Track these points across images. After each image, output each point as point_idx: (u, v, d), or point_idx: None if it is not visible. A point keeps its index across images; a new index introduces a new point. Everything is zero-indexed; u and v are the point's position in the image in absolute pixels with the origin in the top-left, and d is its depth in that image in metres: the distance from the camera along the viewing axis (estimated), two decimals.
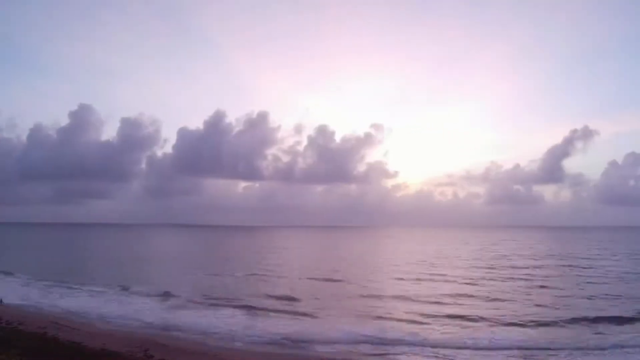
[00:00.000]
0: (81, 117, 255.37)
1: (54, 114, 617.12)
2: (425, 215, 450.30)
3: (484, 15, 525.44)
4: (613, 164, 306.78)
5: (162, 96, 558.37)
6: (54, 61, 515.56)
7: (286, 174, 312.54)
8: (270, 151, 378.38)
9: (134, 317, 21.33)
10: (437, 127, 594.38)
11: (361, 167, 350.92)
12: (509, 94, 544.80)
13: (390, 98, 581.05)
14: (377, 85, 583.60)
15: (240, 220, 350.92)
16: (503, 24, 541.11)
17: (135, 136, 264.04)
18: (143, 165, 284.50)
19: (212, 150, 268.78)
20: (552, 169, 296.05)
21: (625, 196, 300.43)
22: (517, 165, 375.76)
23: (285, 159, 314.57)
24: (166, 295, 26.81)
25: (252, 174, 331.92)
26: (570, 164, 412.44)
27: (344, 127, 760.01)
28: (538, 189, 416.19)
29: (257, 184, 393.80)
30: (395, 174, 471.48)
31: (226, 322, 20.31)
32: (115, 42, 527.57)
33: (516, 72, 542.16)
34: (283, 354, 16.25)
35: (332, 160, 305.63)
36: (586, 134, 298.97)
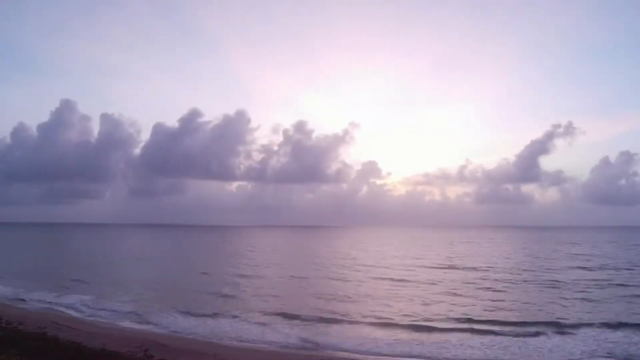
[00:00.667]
0: (63, 114, 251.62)
1: (39, 113, 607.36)
2: (409, 215, 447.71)
3: (481, 17, 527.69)
4: (605, 162, 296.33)
5: (158, 95, 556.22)
6: (42, 58, 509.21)
7: (270, 174, 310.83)
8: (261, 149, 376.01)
9: None
10: (426, 127, 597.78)
11: (338, 166, 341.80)
12: (503, 94, 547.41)
13: (390, 98, 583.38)
14: (374, 85, 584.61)
15: (221, 220, 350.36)
16: (499, 26, 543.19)
17: (117, 135, 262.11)
18: (122, 165, 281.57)
19: (186, 150, 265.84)
20: (530, 166, 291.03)
21: (617, 196, 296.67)
22: (499, 165, 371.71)
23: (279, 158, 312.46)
24: None
25: (239, 174, 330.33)
26: (558, 164, 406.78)
27: (342, 126, 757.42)
28: (527, 188, 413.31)
29: (237, 184, 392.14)
30: (380, 173, 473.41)
31: None
32: (111, 39, 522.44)
33: (510, 73, 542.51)
34: (283, 354, 16.28)
35: (309, 159, 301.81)
36: (569, 130, 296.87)
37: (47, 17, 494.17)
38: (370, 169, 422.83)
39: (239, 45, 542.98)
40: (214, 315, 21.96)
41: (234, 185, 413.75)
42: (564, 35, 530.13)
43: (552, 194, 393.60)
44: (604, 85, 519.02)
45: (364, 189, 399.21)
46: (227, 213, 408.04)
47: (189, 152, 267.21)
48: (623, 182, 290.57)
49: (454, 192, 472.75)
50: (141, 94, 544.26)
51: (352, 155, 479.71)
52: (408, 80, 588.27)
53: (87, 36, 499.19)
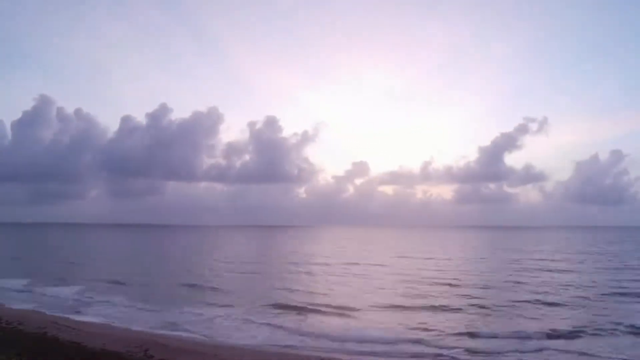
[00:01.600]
0: (38, 111, 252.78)
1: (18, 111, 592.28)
2: (382, 215, 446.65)
3: (479, 17, 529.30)
4: (595, 160, 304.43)
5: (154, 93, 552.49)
6: (23, 52, 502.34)
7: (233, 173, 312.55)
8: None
9: None
10: (415, 126, 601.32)
11: (304, 165, 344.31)
12: (496, 94, 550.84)
13: (387, 97, 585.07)
14: (376, 83, 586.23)
15: (195, 220, 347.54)
16: (496, 27, 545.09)
17: (91, 133, 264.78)
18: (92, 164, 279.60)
19: (153, 148, 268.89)
20: (495, 162, 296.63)
21: (602, 195, 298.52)
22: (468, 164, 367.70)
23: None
24: None
25: (221, 175, 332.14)
26: (536, 162, 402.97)
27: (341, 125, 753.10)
28: (501, 186, 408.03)
29: (222, 185, 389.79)
30: (358, 172, 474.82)
31: None
32: (102, 35, 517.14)
33: (506, 74, 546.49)
34: (283, 354, 16.29)
35: (276, 157, 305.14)
36: (543, 126, 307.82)
37: (37, 12, 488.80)
38: (348, 169, 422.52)
39: (239, 43, 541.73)
40: None
41: (220, 185, 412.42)
42: (563, 37, 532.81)
43: (532, 192, 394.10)
44: (594, 85, 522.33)
45: (342, 188, 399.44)
46: (206, 213, 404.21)
47: (155, 151, 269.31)
48: (610, 181, 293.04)
49: (441, 191, 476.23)
50: (133, 92, 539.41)
51: (324, 155, 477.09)
52: (403, 80, 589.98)
53: (77, 31, 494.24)
